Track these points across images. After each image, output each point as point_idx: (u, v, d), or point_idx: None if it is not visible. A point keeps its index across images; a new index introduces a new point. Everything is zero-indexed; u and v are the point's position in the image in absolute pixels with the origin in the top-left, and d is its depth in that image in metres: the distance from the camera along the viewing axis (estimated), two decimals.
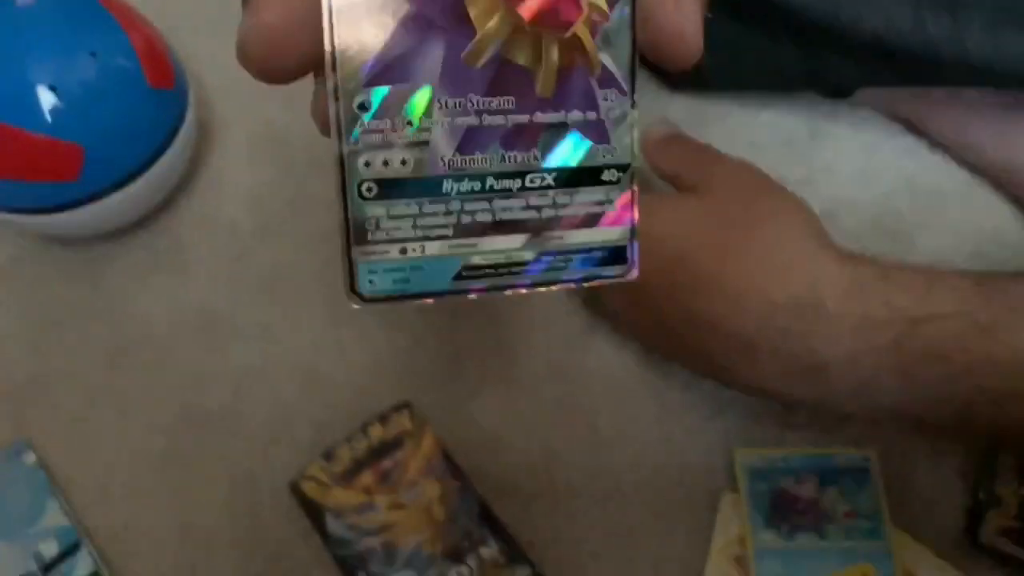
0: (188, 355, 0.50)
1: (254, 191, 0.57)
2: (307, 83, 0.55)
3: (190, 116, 0.52)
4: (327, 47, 0.19)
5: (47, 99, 0.45)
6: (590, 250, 0.21)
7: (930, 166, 0.57)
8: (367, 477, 0.44)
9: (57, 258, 0.54)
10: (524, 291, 0.21)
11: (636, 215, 0.21)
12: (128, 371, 0.50)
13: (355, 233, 0.20)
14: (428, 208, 0.20)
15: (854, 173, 0.57)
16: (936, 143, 0.57)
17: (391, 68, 0.19)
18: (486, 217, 0.20)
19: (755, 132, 0.59)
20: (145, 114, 0.49)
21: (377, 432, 0.46)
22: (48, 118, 0.46)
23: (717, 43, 0.54)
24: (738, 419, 0.49)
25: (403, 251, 0.21)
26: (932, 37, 0.45)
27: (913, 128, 0.58)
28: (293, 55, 0.20)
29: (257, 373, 0.50)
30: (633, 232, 0.21)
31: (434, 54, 0.19)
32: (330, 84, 0.19)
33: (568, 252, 0.21)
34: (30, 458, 0.47)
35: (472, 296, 0.21)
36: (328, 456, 0.45)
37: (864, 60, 0.49)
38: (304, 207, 0.56)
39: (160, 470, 0.48)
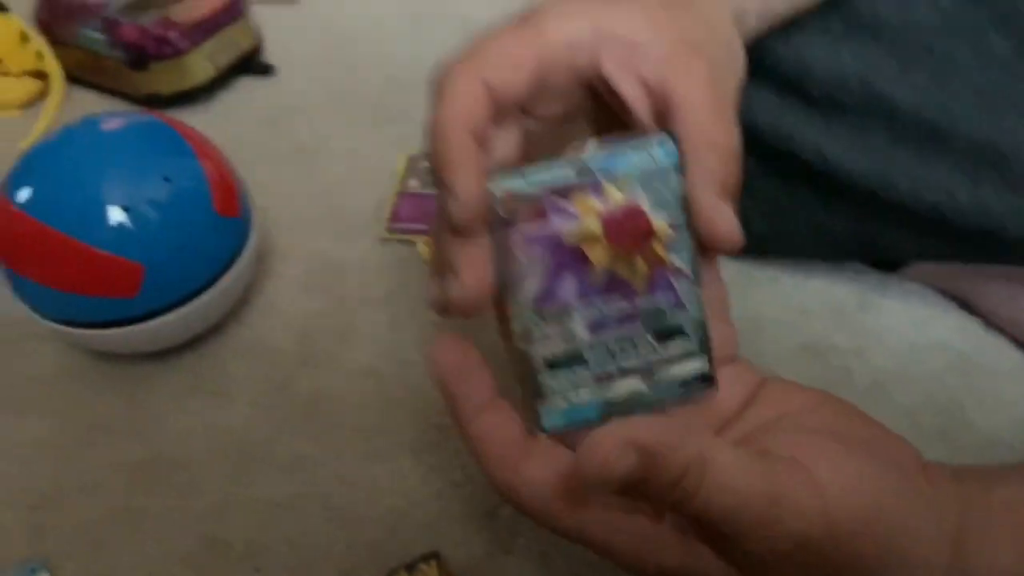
0: (218, 481, 0.49)
1: (303, 321, 0.57)
2: (365, 224, 0.55)
3: (251, 244, 0.53)
4: (504, 285, 0.30)
5: (117, 217, 0.47)
6: (686, 379, 0.32)
7: (984, 345, 0.56)
8: None
9: (102, 372, 0.55)
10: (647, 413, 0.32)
11: (712, 354, 0.32)
12: (154, 492, 0.49)
13: (536, 392, 0.31)
14: (577, 370, 0.31)
15: (905, 347, 0.56)
16: (990, 322, 0.56)
17: (547, 295, 0.30)
18: (613, 369, 0.31)
19: (804, 298, 0.59)
20: (209, 240, 0.51)
21: None
22: (115, 236, 0.47)
23: (769, 208, 0.56)
24: None
25: (566, 399, 0.31)
26: (993, 211, 0.45)
27: (965, 305, 0.58)
28: (483, 305, 0.30)
29: (286, 506, 0.48)
30: (711, 362, 0.32)
31: (571, 280, 0.30)
32: (512, 307, 0.30)
33: (671, 382, 0.32)
34: None
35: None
36: None
37: (920, 233, 0.49)
38: (351, 341, 0.56)
39: None
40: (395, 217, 0.62)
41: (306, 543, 0.47)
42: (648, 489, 0.27)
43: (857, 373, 0.55)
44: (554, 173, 0.29)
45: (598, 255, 0.30)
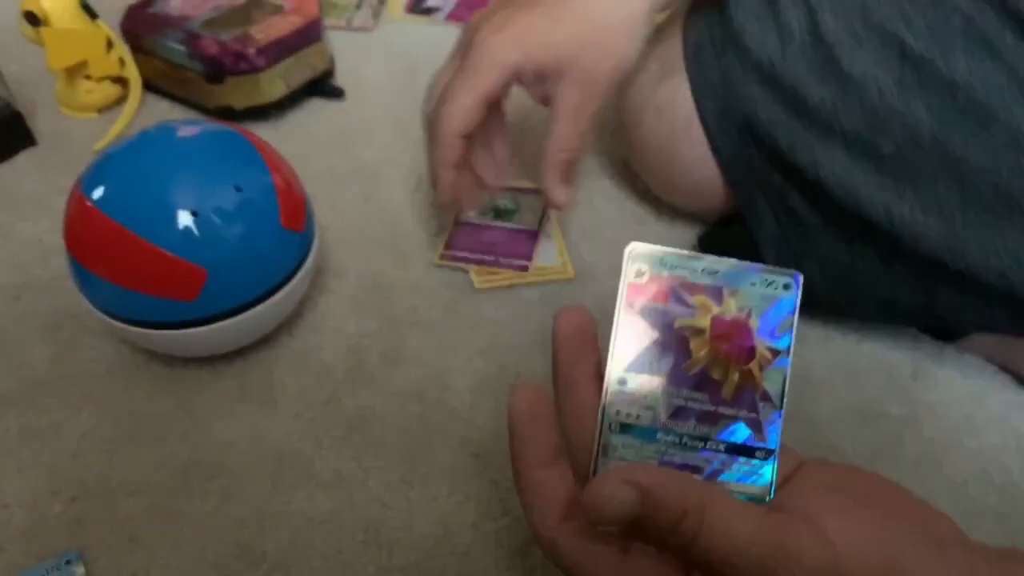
0: (257, 490, 0.50)
1: (353, 339, 0.58)
2: (420, 249, 0.55)
3: (311, 259, 0.54)
4: (610, 348, 0.32)
5: (185, 221, 0.48)
6: (742, 496, 0.32)
7: None
8: None
9: (154, 373, 0.55)
10: None
11: (775, 480, 0.32)
12: (194, 495, 0.49)
13: (602, 448, 0.32)
14: (644, 446, 0.32)
15: (959, 419, 0.55)
16: None
17: (641, 363, 0.32)
18: (678, 459, 0.32)
19: (856, 362, 0.58)
20: (272, 251, 0.51)
21: None
22: (181, 239, 0.48)
23: (834, 272, 0.56)
24: None
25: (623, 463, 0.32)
26: None
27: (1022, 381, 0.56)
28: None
29: (320, 522, 0.48)
30: (772, 490, 0.32)
31: (667, 362, 0.32)
32: (607, 370, 0.32)
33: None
34: (79, 570, 0.46)
35: None
36: None
37: (985, 301, 0.48)
38: (398, 362, 0.56)
39: None
40: (450, 245, 0.63)
41: (338, 561, 0.47)
42: (650, 530, 0.28)
43: (908, 442, 0.54)
44: (686, 266, 0.32)
45: (699, 348, 0.32)
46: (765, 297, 0.32)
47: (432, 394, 0.55)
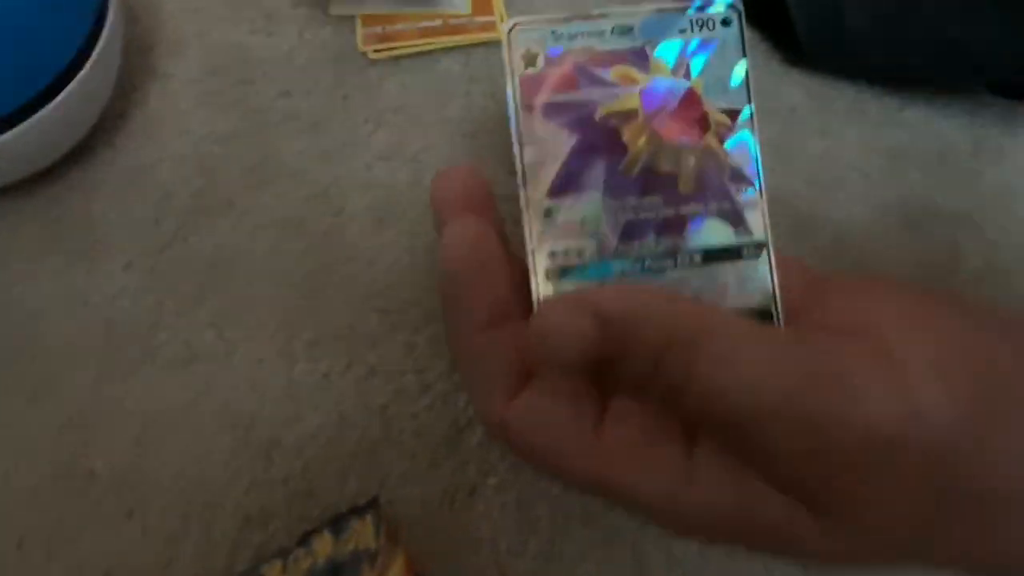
0: (77, 381, 0.36)
1: (202, 147, 0.41)
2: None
3: (105, 39, 0.36)
4: (519, 171, 0.24)
5: None
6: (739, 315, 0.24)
7: None
8: None
9: None
10: None
11: (775, 282, 0.25)
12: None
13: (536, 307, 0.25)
14: (599, 285, 0.24)
15: None
16: None
17: (567, 181, 0.25)
18: None
19: (895, 136, 0.43)
20: (29, 26, 0.33)
21: (324, 546, 0.31)
22: None
23: None
24: None
25: None
26: None
27: None
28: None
29: (170, 418, 0.35)
30: (775, 297, 0.25)
31: (598, 169, 0.25)
32: (522, 199, 0.25)
33: None
34: None
35: None
36: None
37: None
38: (268, 178, 0.40)
39: (36, 540, 0.34)
40: None
41: (195, 475, 0.34)
42: (624, 373, 0.22)
43: (966, 250, 0.40)
44: (590, 32, 0.25)
45: (635, 137, 0.25)
46: (702, 44, 0.25)
47: (317, 223, 0.39)
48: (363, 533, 0.32)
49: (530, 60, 0.25)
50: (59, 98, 0.35)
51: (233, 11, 0.44)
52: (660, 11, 0.25)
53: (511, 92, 0.25)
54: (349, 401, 0.36)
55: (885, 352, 0.21)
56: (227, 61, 0.43)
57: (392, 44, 0.43)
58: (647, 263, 0.25)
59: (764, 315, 0.25)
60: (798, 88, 0.43)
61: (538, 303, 0.25)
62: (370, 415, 0.36)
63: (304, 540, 0.31)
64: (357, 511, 0.32)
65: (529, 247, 0.25)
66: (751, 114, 0.25)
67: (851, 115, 0.43)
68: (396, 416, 0.35)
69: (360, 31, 0.43)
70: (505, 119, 0.25)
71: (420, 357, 0.37)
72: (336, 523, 0.32)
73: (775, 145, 0.42)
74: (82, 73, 0.36)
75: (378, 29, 0.43)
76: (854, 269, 0.39)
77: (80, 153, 0.40)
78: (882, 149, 0.42)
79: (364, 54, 0.43)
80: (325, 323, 0.37)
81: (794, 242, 0.39)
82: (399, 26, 0.43)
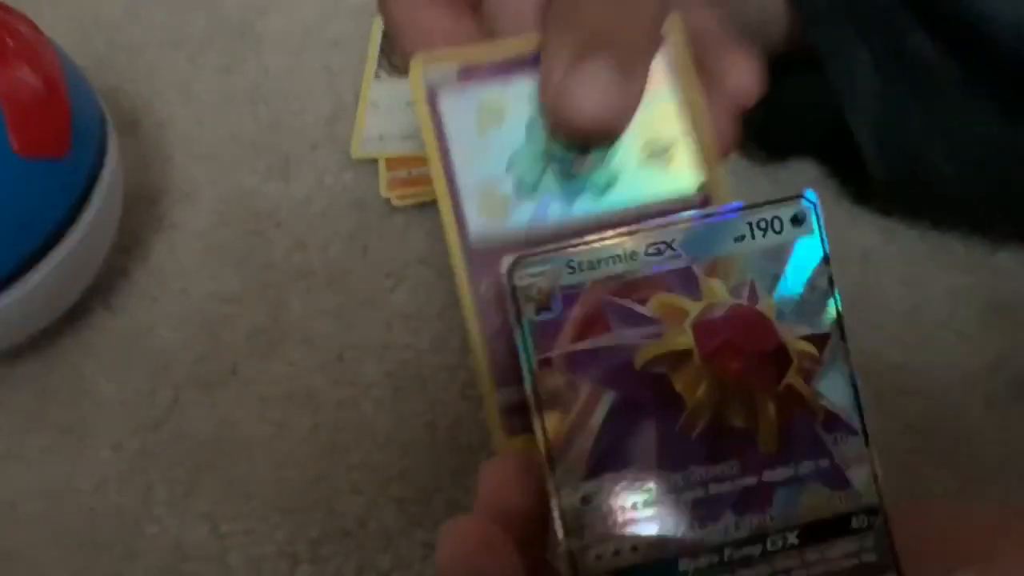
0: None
1: (206, 307, 0.37)
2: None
3: (100, 198, 0.33)
4: (540, 446, 0.19)
5: None
6: None
7: None
8: None
9: None
10: None
11: (898, 561, 0.19)
12: None
13: None
14: None
15: None
16: None
17: (608, 457, 0.19)
18: None
19: (993, 284, 0.37)
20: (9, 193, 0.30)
21: None
22: None
23: (968, 137, 0.35)
24: None
25: None
26: None
27: None
28: None
29: None
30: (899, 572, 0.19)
31: (648, 434, 0.19)
32: (550, 485, 0.19)
33: None
34: None
35: None
36: None
37: None
38: (277, 342, 0.36)
39: None
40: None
41: None
42: None
43: None
44: (617, 256, 0.19)
45: (692, 386, 0.19)
46: (769, 253, 0.20)
47: (329, 393, 0.35)
48: None
49: (543, 302, 0.19)
50: (47, 262, 0.32)
51: (248, 156, 0.41)
52: (707, 216, 0.20)
53: (521, 345, 0.19)
54: None
55: None
56: (238, 210, 0.39)
57: (419, 189, 0.39)
58: (727, 555, 0.19)
59: None
60: (871, 228, 0.38)
61: None
62: None
63: None
64: None
65: (563, 549, 0.19)
66: (843, 337, 0.20)
67: (937, 260, 0.38)
68: None
69: (384, 175, 0.39)
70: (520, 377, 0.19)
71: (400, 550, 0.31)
72: None
73: (847, 296, 0.37)
74: (63, 244, 0.32)
75: (403, 173, 0.39)
76: (949, 451, 0.33)
77: (75, 314, 0.36)
78: (979, 300, 0.37)
79: (387, 200, 0.39)
80: (334, 516, 0.32)
81: (879, 417, 0.34)
82: (426, 169, 0.40)
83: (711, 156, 0.22)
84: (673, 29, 0.22)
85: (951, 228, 0.38)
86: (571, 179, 0.22)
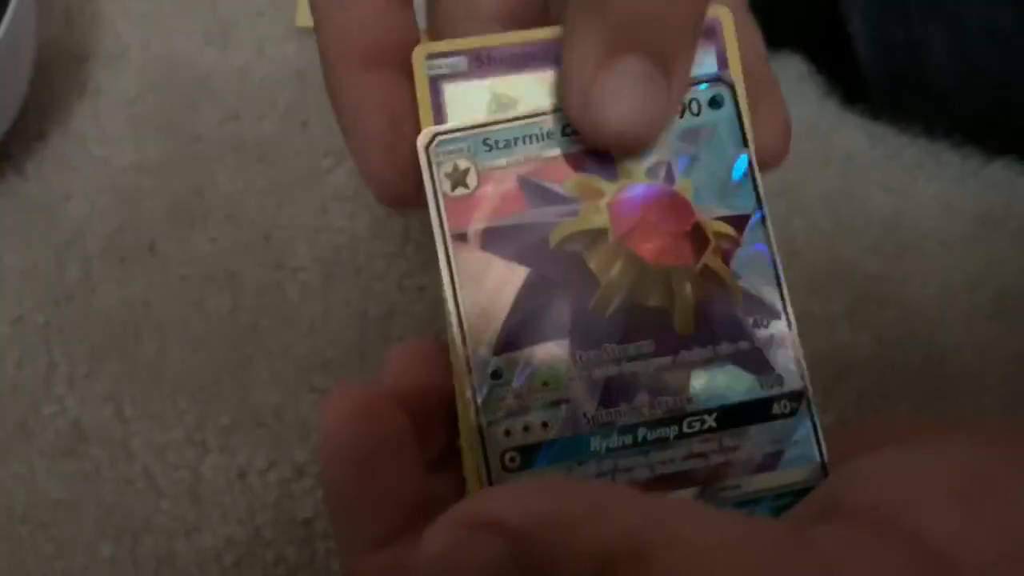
0: None
1: (126, 178, 0.34)
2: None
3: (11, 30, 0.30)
4: (452, 323, 0.18)
5: None
6: (777, 497, 0.18)
7: None
8: None
9: None
10: None
11: (823, 449, 0.19)
12: None
13: None
14: (577, 471, 0.18)
15: None
16: None
17: (520, 334, 0.18)
18: (644, 473, 0.18)
19: (984, 196, 0.34)
20: None
21: None
22: None
23: (972, 26, 0.31)
24: None
25: None
26: None
27: None
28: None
29: (41, 517, 0.28)
30: (824, 469, 0.18)
31: (561, 311, 0.18)
32: (459, 360, 0.18)
33: (749, 502, 0.18)
34: None
35: None
36: None
37: None
38: (201, 218, 0.33)
39: None
40: None
41: None
42: None
43: None
44: (535, 134, 0.19)
45: (606, 265, 0.18)
46: (686, 135, 0.19)
47: (253, 275, 0.32)
48: None
49: (458, 178, 0.18)
50: None
51: (185, 19, 0.37)
52: None
53: (436, 221, 0.18)
54: (267, 511, 0.28)
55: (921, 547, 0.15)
56: (169, 77, 0.36)
57: None
58: (640, 434, 0.18)
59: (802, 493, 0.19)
60: (857, 131, 0.35)
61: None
62: (291, 531, 0.28)
63: None
64: None
65: (470, 424, 0.18)
66: (763, 219, 0.19)
67: (925, 167, 0.35)
68: (323, 535, 0.28)
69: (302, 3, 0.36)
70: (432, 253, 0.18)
71: None
72: None
73: (826, 200, 0.34)
74: None
75: None
76: (924, 365, 0.31)
77: None
78: (967, 212, 0.34)
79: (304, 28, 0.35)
80: (247, 404, 0.30)
81: (848, 329, 0.31)
82: None
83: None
84: (722, 21, 0.19)
85: (943, 136, 0.35)
86: None
